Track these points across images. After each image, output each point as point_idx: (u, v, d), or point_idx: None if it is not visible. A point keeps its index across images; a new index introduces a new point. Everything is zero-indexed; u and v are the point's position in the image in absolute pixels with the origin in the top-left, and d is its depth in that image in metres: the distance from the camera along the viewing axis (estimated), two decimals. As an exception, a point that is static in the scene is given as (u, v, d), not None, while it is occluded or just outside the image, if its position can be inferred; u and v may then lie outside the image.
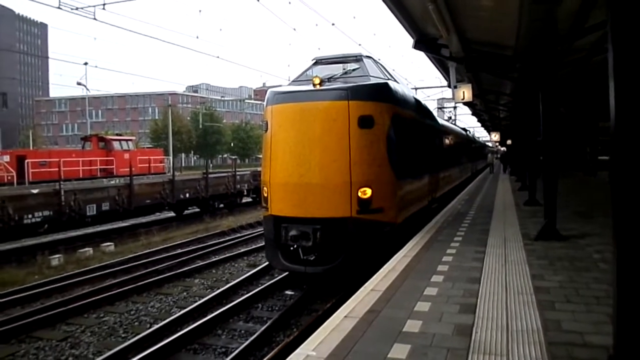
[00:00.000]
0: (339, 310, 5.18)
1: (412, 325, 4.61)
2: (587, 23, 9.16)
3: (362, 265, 8.30)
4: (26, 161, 22.67)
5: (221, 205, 27.45)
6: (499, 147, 57.27)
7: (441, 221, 11.49)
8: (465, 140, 28.31)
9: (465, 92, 13.48)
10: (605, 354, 3.58)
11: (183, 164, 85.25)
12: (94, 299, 9.65)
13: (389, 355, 3.97)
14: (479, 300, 5.30)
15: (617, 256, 3.29)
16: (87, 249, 15.65)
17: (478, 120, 42.78)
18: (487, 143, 66.36)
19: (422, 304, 5.24)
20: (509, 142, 39.06)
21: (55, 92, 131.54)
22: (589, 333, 4.26)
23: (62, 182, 17.95)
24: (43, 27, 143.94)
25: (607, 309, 4.52)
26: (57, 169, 19.32)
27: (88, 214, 18.71)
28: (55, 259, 14.16)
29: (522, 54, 10.95)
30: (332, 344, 4.24)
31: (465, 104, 22.46)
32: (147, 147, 56.12)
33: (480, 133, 62.50)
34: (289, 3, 21.92)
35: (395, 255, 7.78)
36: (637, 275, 3.22)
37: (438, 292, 5.70)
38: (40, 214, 16.72)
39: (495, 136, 41.14)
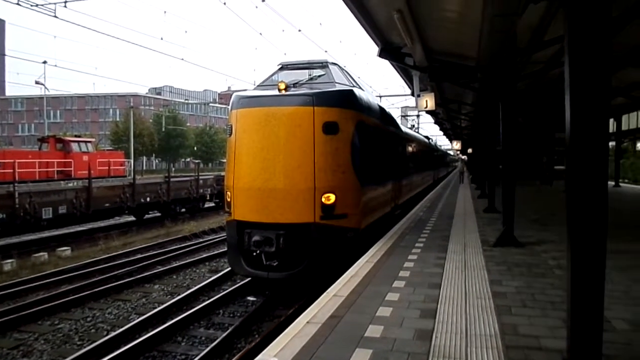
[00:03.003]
0: (301, 316, 5.17)
1: (374, 330, 4.65)
2: (545, 37, 9.49)
3: (325, 271, 8.31)
4: (-22, 162, 21.80)
5: (183, 210, 27.05)
6: (460, 155, 58.36)
7: (403, 227, 11.64)
8: (427, 149, 28.79)
9: (428, 100, 13.76)
10: (560, 357, 3.69)
11: (144, 167, 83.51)
12: (48, 305, 9.32)
13: (350, 361, 3.98)
14: (439, 305, 5.38)
15: (571, 262, 3.40)
16: (42, 253, 15.11)
17: (440, 129, 43.59)
18: (449, 151, 67.54)
19: (384, 309, 5.29)
20: (469, 150, 39.93)
21: (11, 91, 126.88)
22: (545, 337, 4.38)
23: (16, 184, 17.33)
24: (0, 23, 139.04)
25: (562, 313, 4.66)
26: (11, 171, 18.66)
27: (44, 217, 18.12)
28: (8, 264, 13.64)
29: (483, 65, 11.24)
30: (294, 349, 4.23)
31: (428, 112, 22.87)
32: (107, 150, 54.82)
33: (442, 141, 63.76)
34: (256, 7, 21.89)
35: (358, 261, 7.84)
36: (590, 281, 3.34)
37: (400, 297, 5.76)
38: (-8, 216, 16.12)
39: (457, 145, 41.96)
